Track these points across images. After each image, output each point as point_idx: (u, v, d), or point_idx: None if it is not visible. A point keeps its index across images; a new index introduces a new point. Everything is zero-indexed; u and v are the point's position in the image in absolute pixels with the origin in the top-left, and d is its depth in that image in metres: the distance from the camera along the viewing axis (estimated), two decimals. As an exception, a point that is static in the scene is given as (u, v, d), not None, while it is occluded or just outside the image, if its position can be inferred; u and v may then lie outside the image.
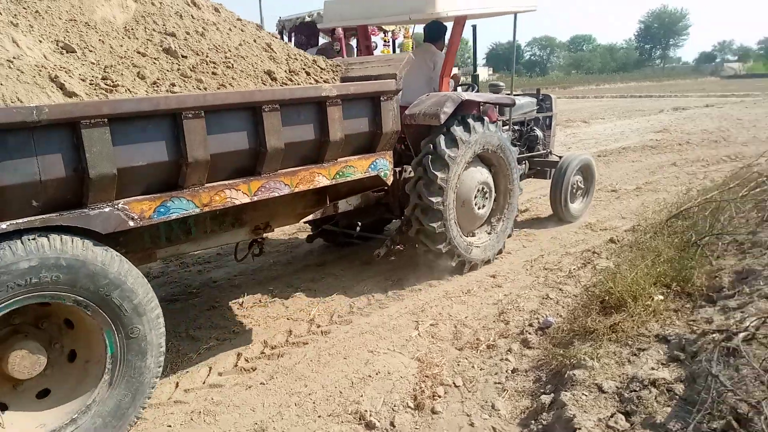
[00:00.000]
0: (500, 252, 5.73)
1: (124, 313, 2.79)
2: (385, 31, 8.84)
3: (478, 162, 5.31)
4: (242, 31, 4.14)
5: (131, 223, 2.85)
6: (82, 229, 2.68)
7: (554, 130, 7.36)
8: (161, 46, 3.50)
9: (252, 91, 3.31)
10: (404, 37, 8.91)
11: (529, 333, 4.01)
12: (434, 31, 5.86)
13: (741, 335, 2.60)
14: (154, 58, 3.38)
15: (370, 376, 3.60)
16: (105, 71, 3.08)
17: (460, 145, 4.89)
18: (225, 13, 4.28)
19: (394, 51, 9.06)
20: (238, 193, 3.28)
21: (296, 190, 3.59)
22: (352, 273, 5.50)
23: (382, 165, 4.17)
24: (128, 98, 2.86)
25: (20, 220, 2.47)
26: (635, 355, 3.17)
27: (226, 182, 3.24)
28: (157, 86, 3.16)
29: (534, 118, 7.00)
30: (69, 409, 2.80)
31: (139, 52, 3.38)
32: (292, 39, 9.32)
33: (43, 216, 2.55)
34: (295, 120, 3.44)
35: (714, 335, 2.84)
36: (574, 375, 3.07)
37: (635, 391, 2.78)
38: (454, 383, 3.47)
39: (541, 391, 3.24)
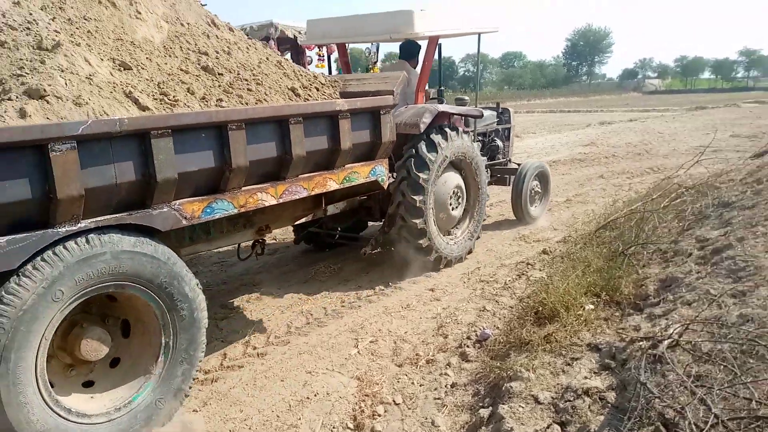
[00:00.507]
0: (470, 252, 6.21)
1: (177, 297, 3.14)
2: (320, 46, 8.84)
3: (452, 168, 5.83)
4: (256, 49, 4.54)
5: (184, 222, 3.25)
6: (144, 227, 3.05)
7: (512, 141, 7.91)
8: (199, 64, 3.94)
9: (282, 105, 3.89)
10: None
11: (468, 346, 4.04)
12: (409, 49, 6.33)
13: (666, 342, 2.70)
14: (196, 75, 3.82)
15: (308, 398, 3.53)
16: (159, 87, 3.49)
17: (438, 150, 5.38)
18: (237, 32, 4.67)
19: (329, 65, 9.07)
20: (268, 196, 3.70)
21: (312, 193, 4.05)
22: (288, 291, 5.40)
23: (380, 171, 4.64)
24: (189, 112, 3.34)
25: (100, 218, 2.88)
26: (569, 364, 3.23)
27: (259, 186, 3.64)
28: (206, 101, 3.62)
29: (495, 130, 7.49)
30: (134, 382, 3.15)
31: (182, 70, 3.79)
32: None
33: (116, 215, 2.95)
34: (314, 131, 3.88)
35: (641, 343, 2.94)
36: (511, 387, 3.10)
37: (570, 401, 2.83)
38: (394, 401, 3.45)
39: (480, 404, 3.25)
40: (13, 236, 2.54)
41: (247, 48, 4.45)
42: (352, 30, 6.23)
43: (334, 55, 8.72)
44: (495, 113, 7.60)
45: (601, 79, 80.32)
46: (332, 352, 4.15)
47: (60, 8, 3.56)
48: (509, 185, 7.37)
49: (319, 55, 8.92)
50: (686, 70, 78.26)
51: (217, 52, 4.16)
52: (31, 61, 2.98)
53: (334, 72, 9.12)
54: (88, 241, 2.77)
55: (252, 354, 4.17)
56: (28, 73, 2.89)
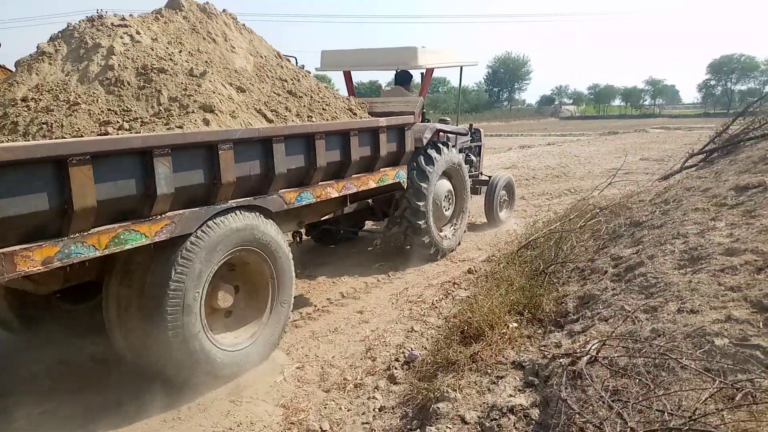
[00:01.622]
0: (459, 244, 7.42)
1: (277, 258, 4.15)
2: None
3: (444, 176, 6.99)
4: (305, 76, 5.33)
5: (285, 206, 4.25)
6: (262, 208, 4.05)
7: (482, 157, 9.28)
8: (284, 89, 4.84)
9: (347, 121, 4.93)
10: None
11: (396, 368, 4.02)
12: (404, 77, 7.73)
13: (585, 359, 2.78)
14: (285, 97, 4.73)
15: (231, 429, 3.39)
16: (267, 105, 4.42)
17: (435, 163, 6.54)
18: (291, 64, 5.48)
19: None
20: (333, 190, 4.72)
21: (359, 189, 5.06)
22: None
23: (402, 175, 5.72)
24: (295, 125, 4.37)
25: (240, 200, 3.87)
26: (494, 383, 3.27)
27: (328, 182, 4.67)
28: (301, 118, 4.63)
29: (468, 147, 8.60)
30: (249, 326, 4.15)
31: (275, 93, 4.70)
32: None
33: (248, 198, 3.94)
34: (364, 142, 4.96)
35: (561, 360, 3.02)
36: (438, 408, 3.10)
37: (495, 419, 2.86)
38: (321, 428, 3.37)
39: (408, 427, 3.23)
40: (192, 209, 3.52)
41: (304, 75, 5.33)
42: (364, 60, 7.73)
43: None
44: (469, 132, 8.69)
45: (521, 105, 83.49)
46: (257, 379, 4.01)
47: (180, 43, 4.44)
48: (480, 194, 8.69)
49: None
50: (599, 97, 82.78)
51: (292, 79, 5.04)
52: (190, 85, 3.92)
53: None
54: (234, 215, 3.78)
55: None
56: (193, 94, 3.84)
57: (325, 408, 3.61)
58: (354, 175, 4.94)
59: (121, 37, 4.03)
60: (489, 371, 3.41)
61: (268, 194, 4.07)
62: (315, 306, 5.46)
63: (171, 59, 4.06)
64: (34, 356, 4.39)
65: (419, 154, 6.35)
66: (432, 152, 6.56)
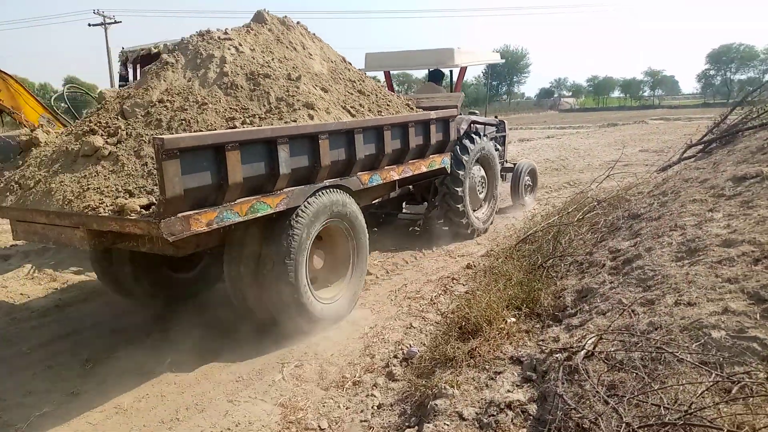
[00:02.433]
0: (491, 224, 8.20)
1: (356, 228, 5.04)
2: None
3: (477, 163, 7.76)
4: (366, 77, 6.19)
5: (361, 186, 5.05)
6: (345, 187, 4.87)
7: (507, 146, 9.84)
8: (354, 89, 5.68)
9: (407, 114, 5.76)
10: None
11: (394, 365, 4.01)
12: (437, 75, 8.91)
13: (581, 353, 2.77)
14: (357, 96, 5.56)
15: (229, 429, 3.38)
16: (344, 104, 5.24)
17: (469, 151, 7.32)
18: (352, 65, 6.26)
19: None
20: (395, 173, 5.53)
21: (414, 173, 5.82)
22: (209, 320, 5.20)
23: (446, 161, 6.47)
24: (370, 119, 5.14)
25: (330, 180, 4.67)
26: (492, 379, 3.26)
27: (391, 167, 5.45)
28: (372, 113, 5.41)
29: (494, 137, 9.01)
30: (337, 283, 5.07)
31: (348, 92, 5.53)
32: (137, 71, 8.82)
33: (336, 179, 4.74)
34: (418, 132, 5.75)
35: (558, 355, 3.00)
36: (436, 405, 3.09)
37: (493, 415, 2.85)
38: (319, 426, 3.36)
39: (406, 424, 3.23)
40: (299, 187, 4.32)
41: (365, 76, 6.21)
42: (405, 61, 8.98)
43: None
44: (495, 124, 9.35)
45: (520, 98, 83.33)
46: (256, 379, 4.01)
47: (270, 52, 5.23)
48: (506, 180, 9.42)
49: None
50: (598, 89, 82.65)
51: (359, 80, 5.88)
52: (290, 87, 4.81)
53: None
54: (327, 192, 4.61)
55: (172, 383, 3.97)
56: (295, 94, 4.72)
57: (324, 406, 3.60)
58: (410, 161, 5.75)
59: (228, 49, 4.92)
60: (487, 367, 3.40)
61: (350, 176, 4.92)
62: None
63: (269, 66, 4.98)
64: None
65: (456, 144, 7.00)
66: (467, 142, 7.32)
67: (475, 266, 6.08)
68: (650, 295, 3.32)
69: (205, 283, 5.73)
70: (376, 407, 3.52)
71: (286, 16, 5.91)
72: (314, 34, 6.06)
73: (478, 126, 8.09)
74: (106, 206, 3.56)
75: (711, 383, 2.24)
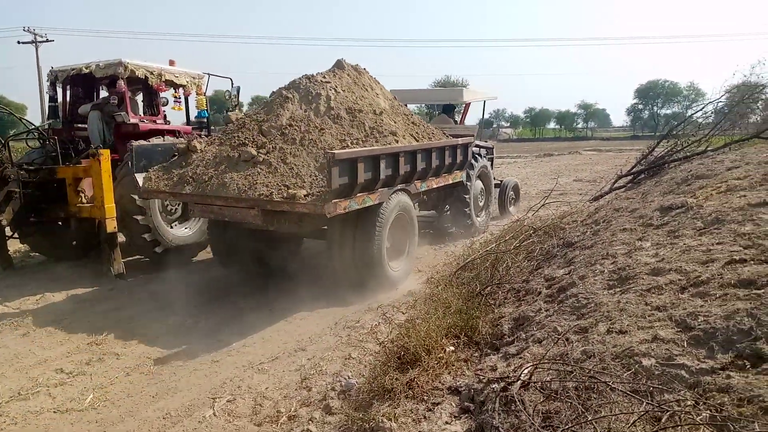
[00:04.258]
0: (488, 226, 10.27)
1: (412, 220, 7.00)
2: (176, 88, 8.53)
3: (478, 178, 9.86)
4: (412, 112, 8.33)
5: (414, 191, 6.88)
6: (407, 191, 6.78)
7: (493, 166, 11.49)
8: (409, 121, 7.53)
9: (444, 141, 7.69)
10: (197, 94, 8.72)
11: (332, 398, 3.89)
12: (449, 108, 11.79)
13: (517, 384, 2.76)
14: (412, 126, 7.43)
15: (153, 471, 3.18)
16: (410, 132, 7.10)
17: (474, 168, 9.50)
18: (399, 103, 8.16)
19: (186, 106, 8.84)
20: (433, 183, 7.47)
21: (444, 184, 7.84)
22: (136, 349, 4.94)
23: (464, 176, 8.61)
24: (425, 143, 7.10)
25: (400, 185, 6.55)
26: (430, 410, 3.21)
27: (432, 178, 7.41)
28: (424, 139, 7.33)
29: (490, 158, 11.00)
30: (401, 258, 6.98)
31: (405, 123, 7.31)
32: (67, 92, 8.46)
33: (402, 185, 6.61)
34: (450, 154, 7.73)
35: (494, 385, 2.99)
36: (374, 439, 3.00)
37: (430, 449, 2.79)
38: (250, 465, 3.20)
39: (342, 460, 3.11)
40: (385, 188, 6.21)
41: (411, 111, 8.23)
42: (423, 97, 12.88)
43: (192, 96, 8.66)
44: (491, 147, 11.45)
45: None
46: (185, 416, 3.80)
47: (352, 92, 6.98)
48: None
49: (176, 97, 8.59)
50: (535, 120, 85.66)
51: (409, 114, 7.82)
52: (377, 119, 6.73)
53: (193, 112, 9.00)
54: (399, 194, 6.54)
55: (91, 421, 3.71)
56: (381, 124, 6.63)
57: (256, 443, 3.44)
58: (443, 174, 7.70)
59: (330, 90, 6.72)
60: (425, 398, 3.34)
61: (410, 183, 6.78)
62: (247, 335, 5.26)
63: (357, 103, 6.78)
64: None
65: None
66: (473, 161, 9.35)
67: (415, 293, 6.05)
68: (584, 322, 3.36)
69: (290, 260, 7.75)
70: (311, 443, 3.39)
71: (357, 64, 7.65)
72: (375, 78, 7.77)
73: (480, 149, 10.15)
74: (275, 194, 5.22)
75: (642, 412, 2.26)
